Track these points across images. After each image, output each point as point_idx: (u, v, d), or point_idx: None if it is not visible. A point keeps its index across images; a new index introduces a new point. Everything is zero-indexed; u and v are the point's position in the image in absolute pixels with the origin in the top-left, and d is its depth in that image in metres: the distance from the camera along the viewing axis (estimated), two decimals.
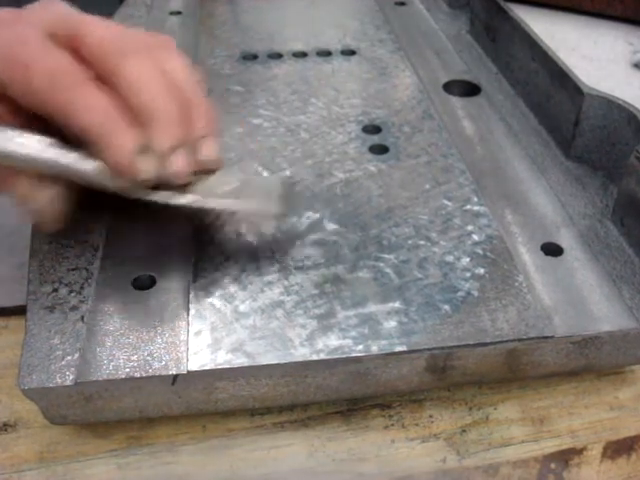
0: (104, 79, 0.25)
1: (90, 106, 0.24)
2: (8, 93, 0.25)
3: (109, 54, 0.25)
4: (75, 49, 0.26)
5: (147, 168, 0.25)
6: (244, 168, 0.34)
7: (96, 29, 0.26)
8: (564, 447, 0.27)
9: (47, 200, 0.26)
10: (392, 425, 0.27)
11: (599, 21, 0.61)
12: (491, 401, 0.28)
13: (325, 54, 0.45)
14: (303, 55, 0.45)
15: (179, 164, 0.26)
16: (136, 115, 0.25)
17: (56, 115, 0.25)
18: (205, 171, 0.27)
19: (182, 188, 0.27)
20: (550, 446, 0.27)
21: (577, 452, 0.27)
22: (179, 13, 0.52)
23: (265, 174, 0.34)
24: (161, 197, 0.26)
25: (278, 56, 0.45)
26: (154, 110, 0.25)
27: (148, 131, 0.25)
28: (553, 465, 0.26)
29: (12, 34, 0.25)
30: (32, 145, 0.25)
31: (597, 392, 0.29)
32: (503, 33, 0.44)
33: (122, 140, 0.24)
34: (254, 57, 0.45)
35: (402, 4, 0.54)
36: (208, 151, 0.27)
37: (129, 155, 0.24)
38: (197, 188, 0.27)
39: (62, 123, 0.25)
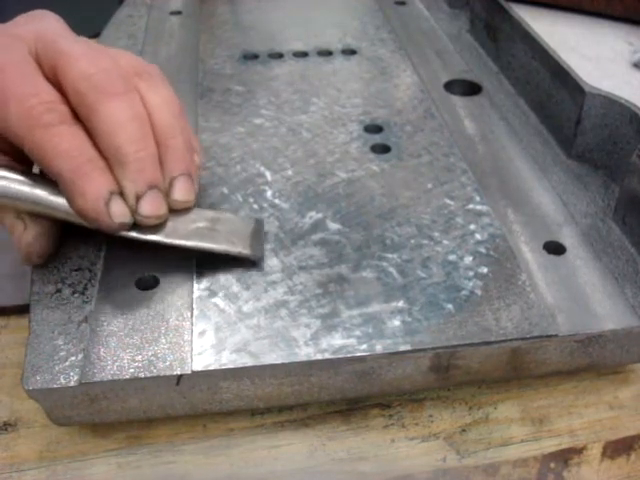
0: (81, 117, 0.25)
1: (63, 151, 0.24)
2: None
3: (86, 93, 0.25)
4: (57, 79, 0.25)
5: (119, 213, 0.25)
6: (246, 168, 0.34)
7: (76, 61, 0.25)
8: (564, 446, 0.27)
9: (30, 238, 0.26)
10: (392, 424, 0.27)
11: (599, 21, 0.61)
12: (491, 400, 0.28)
13: (326, 54, 0.45)
14: (304, 55, 0.45)
15: (148, 209, 0.26)
16: (108, 158, 0.25)
17: (30, 155, 0.25)
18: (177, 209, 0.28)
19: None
20: (550, 445, 0.27)
21: (577, 451, 0.27)
22: (179, 13, 0.51)
23: (267, 174, 0.34)
24: (128, 234, 0.26)
25: (279, 56, 0.45)
26: (125, 155, 0.25)
27: (119, 175, 0.25)
28: (553, 464, 0.26)
29: None
30: (5, 184, 0.25)
31: (597, 392, 0.29)
32: (503, 32, 0.44)
33: (91, 188, 0.24)
34: (255, 57, 0.45)
35: (402, 3, 0.54)
36: (181, 194, 0.27)
37: (97, 203, 0.25)
38: (167, 224, 0.27)
39: (37, 164, 0.25)
